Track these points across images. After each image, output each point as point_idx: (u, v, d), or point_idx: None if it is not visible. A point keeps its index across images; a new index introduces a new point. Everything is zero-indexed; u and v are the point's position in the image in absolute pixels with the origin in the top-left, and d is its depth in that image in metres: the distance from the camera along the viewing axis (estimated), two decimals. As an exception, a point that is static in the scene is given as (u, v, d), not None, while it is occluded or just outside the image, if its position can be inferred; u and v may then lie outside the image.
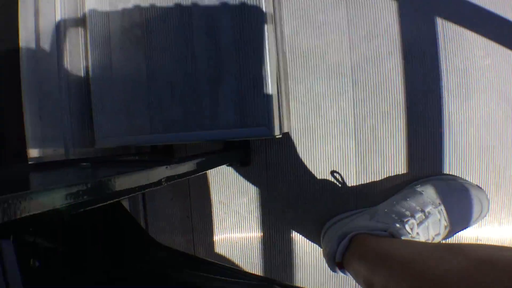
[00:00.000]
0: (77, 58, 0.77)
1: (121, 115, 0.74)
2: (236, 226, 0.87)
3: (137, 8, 0.74)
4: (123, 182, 0.42)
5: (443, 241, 0.77)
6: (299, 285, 0.84)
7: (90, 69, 0.76)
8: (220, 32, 0.70)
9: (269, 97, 0.68)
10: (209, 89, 0.70)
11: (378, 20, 0.79)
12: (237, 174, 0.84)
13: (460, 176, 0.78)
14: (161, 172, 0.49)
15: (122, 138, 0.74)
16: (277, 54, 0.74)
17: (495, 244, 0.79)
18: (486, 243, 0.75)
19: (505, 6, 0.76)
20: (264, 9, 0.68)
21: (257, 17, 0.68)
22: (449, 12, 0.77)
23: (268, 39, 0.68)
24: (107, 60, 0.76)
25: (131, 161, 0.68)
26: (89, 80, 0.76)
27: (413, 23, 0.78)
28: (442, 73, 0.77)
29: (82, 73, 0.77)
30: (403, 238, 0.62)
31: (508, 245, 0.79)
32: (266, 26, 0.68)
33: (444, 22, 0.77)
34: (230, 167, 0.83)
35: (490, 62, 0.76)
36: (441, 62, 0.77)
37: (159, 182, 0.48)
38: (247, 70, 0.69)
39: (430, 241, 0.68)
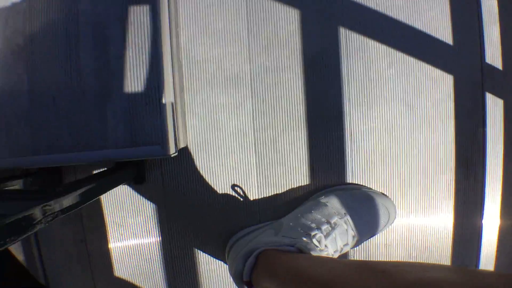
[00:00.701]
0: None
1: (2, 134, 0.69)
2: (134, 248, 0.82)
3: (21, 14, 0.68)
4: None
5: (352, 250, 0.80)
6: None
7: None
8: (110, 41, 0.66)
9: (163, 114, 0.65)
10: (96, 105, 0.66)
11: (279, 30, 0.78)
12: (131, 192, 0.80)
13: (364, 184, 0.80)
14: (37, 214, 0.45)
15: (2, 161, 0.68)
16: (173, 65, 0.70)
17: (403, 256, 0.82)
18: (406, 261, 0.76)
19: (409, 15, 0.78)
20: (159, 16, 0.65)
21: (151, 24, 0.65)
22: (352, 22, 0.78)
23: (163, 49, 0.65)
24: (-16, 73, 0.70)
25: (7, 192, 0.62)
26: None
27: (315, 33, 0.78)
28: (344, 84, 0.78)
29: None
30: (312, 253, 0.61)
31: (417, 257, 0.82)
32: (161, 34, 0.65)
33: (347, 32, 0.78)
34: (124, 185, 0.79)
35: (394, 72, 0.78)
36: (343, 73, 0.78)
37: (37, 223, 0.44)
38: (139, 85, 0.66)
39: (339, 252, 0.70)
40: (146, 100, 0.65)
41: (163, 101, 0.65)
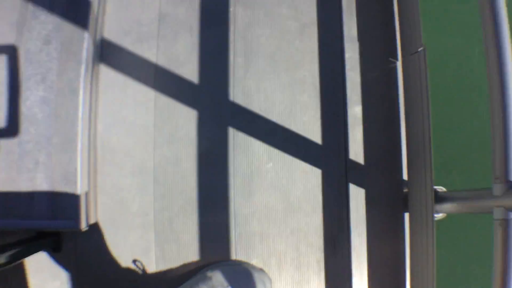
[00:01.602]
0: None
1: None
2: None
3: None
4: None
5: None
6: None
7: None
8: (32, 120, 0.80)
9: (78, 192, 0.80)
10: (25, 179, 0.80)
11: (180, 126, 0.94)
12: (49, 258, 0.89)
13: (245, 261, 0.94)
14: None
15: None
16: (89, 150, 0.85)
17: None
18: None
19: (286, 119, 0.95)
20: (80, 106, 0.80)
21: (73, 110, 0.80)
22: (240, 123, 0.94)
23: (82, 135, 0.81)
24: None
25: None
26: None
27: (208, 129, 0.93)
28: (231, 175, 0.94)
29: None
30: None
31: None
32: (80, 122, 0.80)
33: (234, 131, 0.94)
34: (43, 251, 0.89)
35: (271, 166, 0.92)
36: (230, 165, 0.94)
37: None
38: (60, 166, 0.80)
39: None
40: (66, 178, 0.79)
41: (79, 183, 0.80)
